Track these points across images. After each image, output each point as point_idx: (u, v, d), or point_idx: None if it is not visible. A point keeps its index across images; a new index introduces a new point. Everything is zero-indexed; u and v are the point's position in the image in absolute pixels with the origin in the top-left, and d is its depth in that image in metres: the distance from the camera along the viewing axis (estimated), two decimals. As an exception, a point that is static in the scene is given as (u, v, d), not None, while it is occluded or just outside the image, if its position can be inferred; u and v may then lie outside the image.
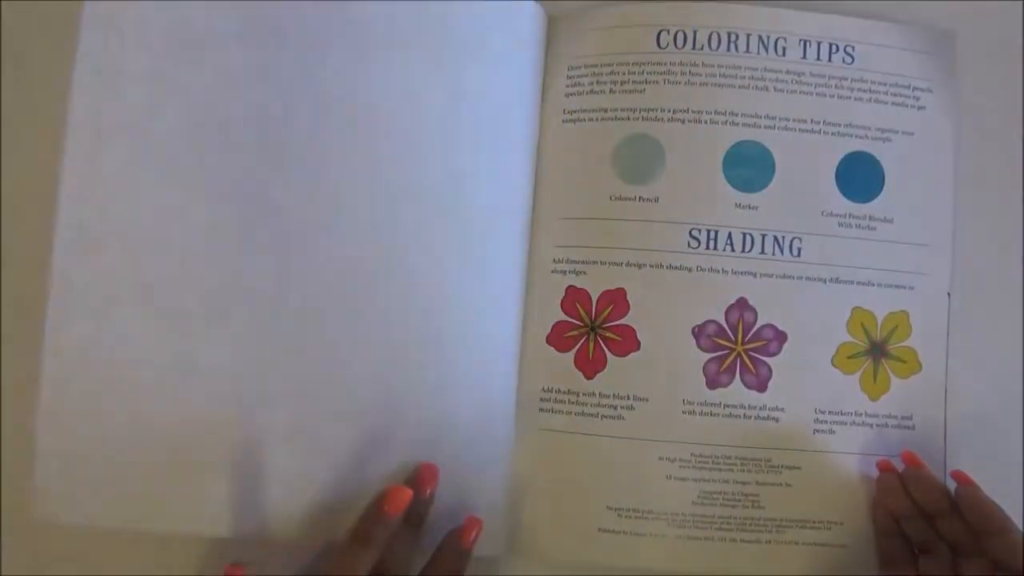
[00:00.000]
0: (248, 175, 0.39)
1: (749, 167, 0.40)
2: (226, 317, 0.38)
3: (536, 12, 0.42)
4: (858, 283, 0.41)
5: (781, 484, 0.40)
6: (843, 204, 0.41)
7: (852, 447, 0.40)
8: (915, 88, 0.42)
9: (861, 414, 0.40)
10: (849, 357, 0.40)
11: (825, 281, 0.40)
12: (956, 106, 0.42)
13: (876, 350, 0.41)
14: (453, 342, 0.39)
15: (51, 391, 0.37)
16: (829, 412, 0.40)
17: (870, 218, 0.41)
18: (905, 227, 0.41)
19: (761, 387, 0.40)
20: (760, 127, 0.40)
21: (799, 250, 0.40)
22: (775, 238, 0.40)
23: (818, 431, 0.40)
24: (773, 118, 0.41)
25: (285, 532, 0.38)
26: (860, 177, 0.41)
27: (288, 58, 0.40)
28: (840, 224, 0.41)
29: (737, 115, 0.40)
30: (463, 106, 0.40)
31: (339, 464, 0.38)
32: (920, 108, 0.42)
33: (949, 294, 0.41)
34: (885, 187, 0.41)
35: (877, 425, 0.40)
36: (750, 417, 0.40)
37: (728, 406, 0.40)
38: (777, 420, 0.40)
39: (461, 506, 0.39)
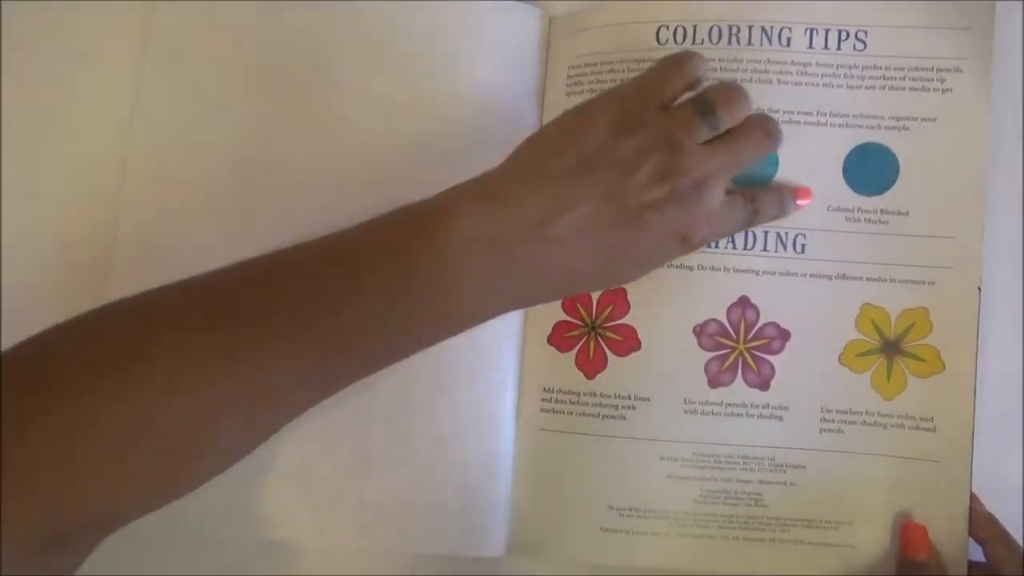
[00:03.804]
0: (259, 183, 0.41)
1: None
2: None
3: (536, 12, 0.42)
4: (868, 279, 0.39)
5: (785, 483, 0.39)
6: (851, 198, 0.39)
7: (862, 447, 0.39)
8: (940, 70, 0.39)
9: (873, 414, 0.39)
10: (859, 355, 0.39)
11: (831, 278, 0.39)
12: (989, 84, 0.39)
13: (890, 348, 0.39)
14: (455, 341, 0.39)
15: None
16: (837, 411, 0.39)
17: (882, 211, 0.39)
18: (924, 219, 0.39)
19: (763, 385, 0.40)
20: (766, 125, 0.40)
21: (803, 246, 0.39)
22: (778, 235, 0.39)
23: (825, 430, 0.39)
24: (776, 112, 0.39)
25: (290, 532, 0.40)
26: (870, 169, 0.39)
27: (291, 60, 0.42)
28: (848, 219, 0.39)
29: None
30: (464, 107, 0.41)
31: (341, 465, 0.40)
32: (945, 91, 0.39)
33: (980, 288, 0.39)
34: (900, 179, 0.39)
35: (892, 426, 0.39)
36: (752, 416, 0.40)
37: (730, 405, 0.40)
38: (781, 419, 0.39)
39: (462, 506, 0.40)
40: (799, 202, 0.39)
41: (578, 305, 0.41)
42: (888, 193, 0.39)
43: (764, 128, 0.35)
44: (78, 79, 0.43)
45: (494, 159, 0.41)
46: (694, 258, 0.40)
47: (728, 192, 0.35)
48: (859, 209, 0.39)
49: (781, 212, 0.38)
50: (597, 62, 0.41)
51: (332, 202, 0.41)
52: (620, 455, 0.40)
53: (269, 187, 0.41)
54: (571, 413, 0.41)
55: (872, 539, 0.39)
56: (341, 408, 0.40)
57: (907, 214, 0.39)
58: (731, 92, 0.34)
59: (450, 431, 0.40)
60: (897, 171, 0.39)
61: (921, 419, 0.39)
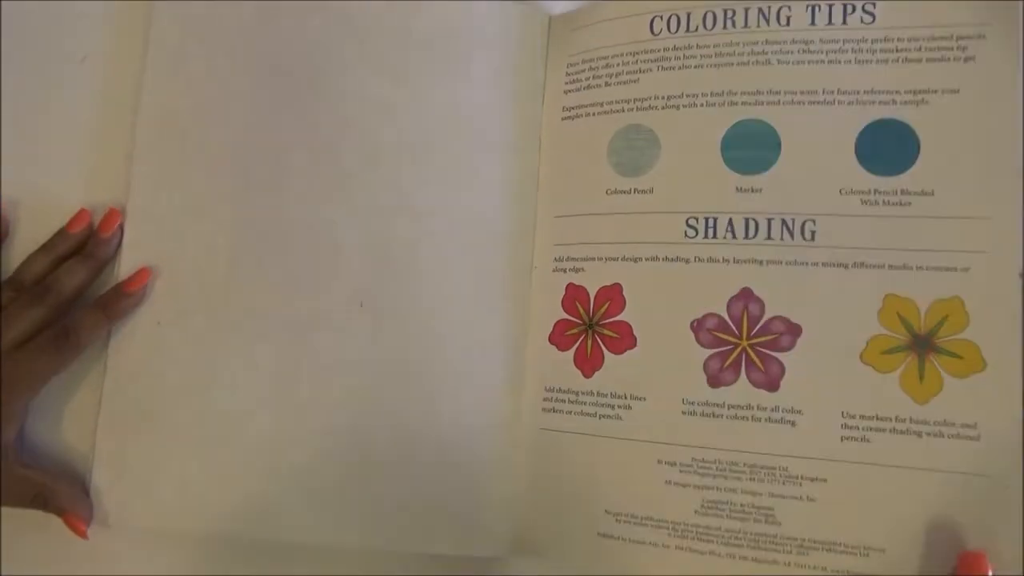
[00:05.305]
0: (259, 190, 0.41)
1: (750, 147, 0.37)
2: (254, 332, 0.41)
3: (536, 12, 0.43)
4: (891, 267, 0.35)
5: (802, 498, 0.35)
6: (866, 179, 0.36)
7: (894, 458, 0.34)
8: (960, 38, 0.36)
9: (904, 420, 0.34)
10: (884, 352, 0.35)
11: (847, 267, 0.36)
12: (1018, 49, 0.35)
13: (921, 344, 0.34)
14: (457, 342, 0.40)
15: (109, 405, 0.40)
16: (861, 416, 0.35)
17: (902, 192, 0.35)
18: (951, 198, 0.35)
19: (772, 386, 0.36)
20: (762, 104, 0.37)
21: (813, 233, 0.36)
22: (783, 222, 0.36)
23: (847, 438, 0.35)
24: (777, 93, 0.37)
25: (293, 532, 0.39)
26: (887, 148, 0.36)
27: (291, 61, 0.42)
28: (864, 202, 0.36)
29: (736, 94, 0.38)
30: (464, 107, 0.41)
31: (345, 464, 0.39)
32: (967, 60, 0.35)
33: (1022, 275, 0.34)
34: (921, 155, 0.35)
35: (927, 434, 0.34)
36: (760, 419, 0.36)
37: (733, 406, 0.36)
38: (794, 423, 0.35)
39: (465, 505, 0.39)
40: (127, 292, 0.40)
41: (576, 303, 0.40)
42: (909, 172, 0.35)
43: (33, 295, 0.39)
44: (79, 80, 0.43)
45: (494, 159, 0.41)
46: (690, 250, 0.38)
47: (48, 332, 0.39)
48: (876, 191, 0.36)
49: (106, 317, 0.40)
50: (593, 58, 0.41)
51: (332, 202, 0.41)
52: (616, 457, 0.38)
53: (269, 187, 0.41)
54: (570, 412, 0.39)
55: (908, 568, 0.33)
56: (344, 409, 0.40)
57: (932, 194, 0.35)
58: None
59: (453, 431, 0.40)
60: (918, 148, 0.35)
61: (963, 426, 0.33)
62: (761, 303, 0.36)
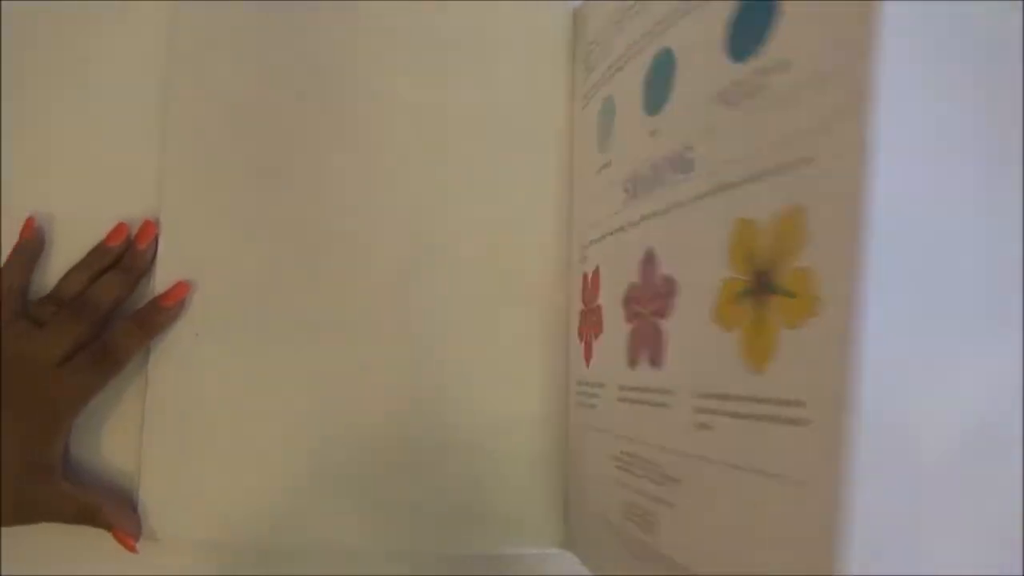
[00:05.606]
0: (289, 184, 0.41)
1: (656, 83, 0.31)
2: (293, 338, 0.40)
3: (560, 8, 0.42)
4: (744, 180, 0.24)
5: (669, 503, 0.27)
6: (731, 72, 0.26)
7: (729, 454, 0.23)
8: None
9: (743, 398, 0.23)
10: (733, 303, 0.24)
11: (714, 193, 0.26)
12: None
13: (762, 284, 0.23)
14: (500, 341, 0.40)
15: (153, 419, 0.40)
16: (711, 395, 0.25)
17: (758, 72, 0.24)
18: (808, 65, 0.22)
19: (657, 360, 0.28)
20: (669, 28, 0.30)
21: (691, 162, 0.27)
22: (670, 160, 0.29)
23: (700, 425, 0.25)
24: (675, 10, 0.30)
25: (342, 536, 0.39)
26: (751, 20, 0.25)
27: (318, 64, 0.41)
28: (728, 103, 0.26)
29: (660, 23, 0.31)
30: (495, 106, 0.41)
31: (392, 468, 0.39)
32: None
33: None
34: (784, 16, 0.23)
35: (761, 416, 0.22)
36: (648, 403, 0.29)
37: (636, 389, 0.30)
38: (667, 406, 0.27)
39: (513, 504, 0.40)
40: (164, 306, 0.39)
41: (584, 292, 0.38)
42: (767, 44, 0.24)
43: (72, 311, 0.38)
44: (106, 93, 0.42)
45: (528, 158, 0.41)
46: (624, 217, 0.33)
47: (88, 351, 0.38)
48: (737, 83, 0.25)
49: (144, 333, 0.39)
50: (596, 39, 0.39)
51: (365, 205, 0.41)
52: (591, 451, 0.35)
53: (301, 192, 0.41)
54: (580, 405, 0.38)
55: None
56: (387, 412, 0.40)
57: (788, 65, 0.23)
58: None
59: (498, 431, 0.40)
60: (780, 7, 0.24)
61: (789, 402, 0.21)
62: (657, 262, 0.29)
